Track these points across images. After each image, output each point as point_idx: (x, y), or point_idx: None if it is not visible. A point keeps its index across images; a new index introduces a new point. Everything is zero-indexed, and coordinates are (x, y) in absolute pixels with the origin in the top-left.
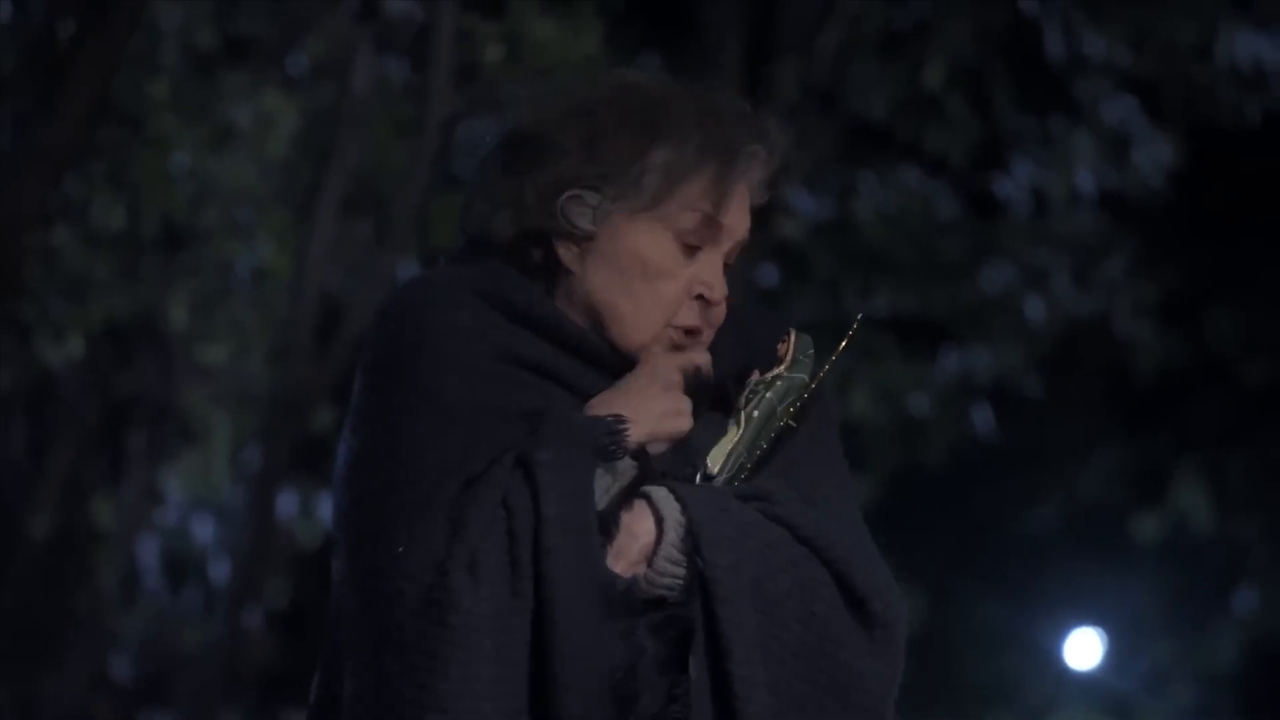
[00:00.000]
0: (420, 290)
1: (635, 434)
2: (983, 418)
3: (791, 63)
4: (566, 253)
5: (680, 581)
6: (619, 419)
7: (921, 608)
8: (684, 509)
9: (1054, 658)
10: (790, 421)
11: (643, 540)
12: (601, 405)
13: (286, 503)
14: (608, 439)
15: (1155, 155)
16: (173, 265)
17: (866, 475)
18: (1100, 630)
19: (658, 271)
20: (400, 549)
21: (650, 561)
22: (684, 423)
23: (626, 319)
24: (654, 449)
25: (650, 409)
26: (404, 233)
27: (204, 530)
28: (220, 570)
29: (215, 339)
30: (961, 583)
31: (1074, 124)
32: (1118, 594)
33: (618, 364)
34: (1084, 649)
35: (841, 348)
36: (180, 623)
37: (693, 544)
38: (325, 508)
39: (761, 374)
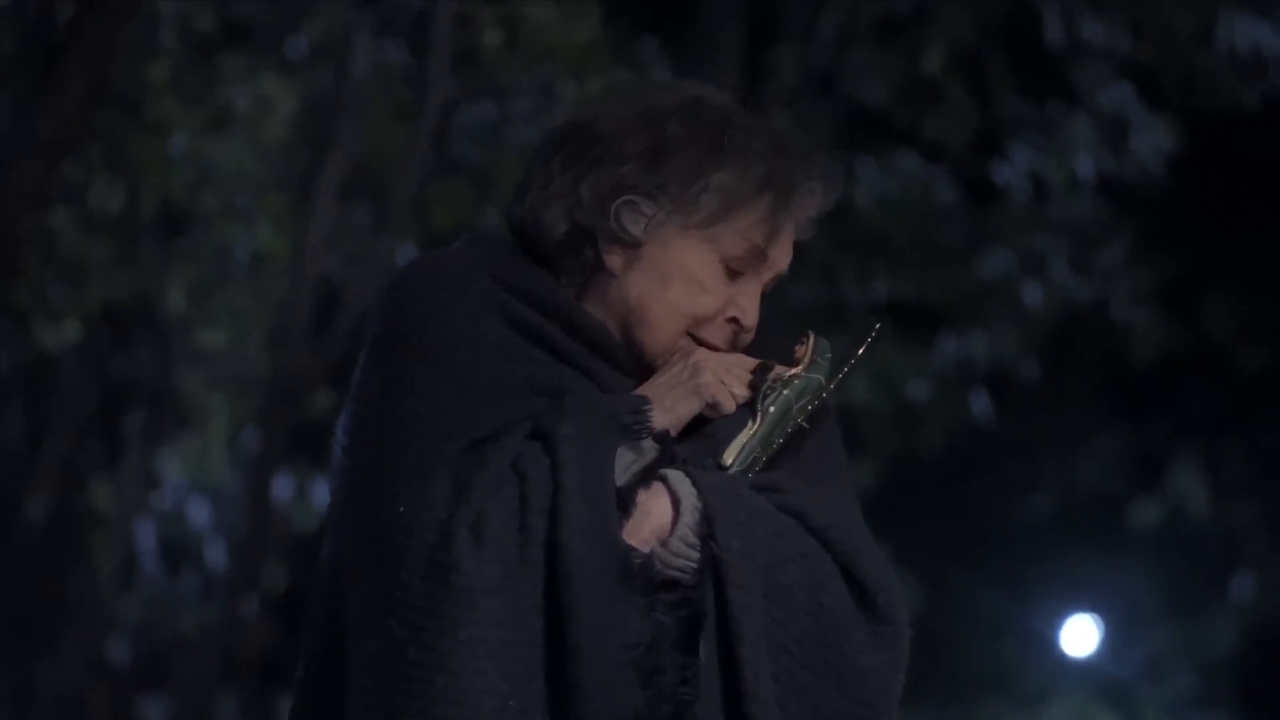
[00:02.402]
0: (431, 265)
1: (675, 410)
2: (981, 405)
3: (791, 48)
4: (611, 255)
5: (693, 564)
6: (643, 399)
7: (919, 595)
8: (699, 493)
9: (1051, 645)
10: (804, 422)
11: (656, 519)
12: (650, 387)
13: (283, 487)
14: (631, 418)
15: (1154, 142)
16: (171, 249)
17: (864, 462)
18: (1097, 617)
19: (699, 286)
20: (401, 509)
21: (665, 542)
22: (726, 398)
23: (655, 322)
24: (682, 410)
25: (689, 384)
26: (403, 218)
27: (201, 514)
28: (217, 554)
29: (213, 323)
30: (959, 570)
31: (1073, 110)
32: (1115, 581)
33: (627, 362)
34: (1080, 636)
35: (860, 352)
36: (177, 607)
37: (707, 528)
38: (322, 492)
39: (780, 373)
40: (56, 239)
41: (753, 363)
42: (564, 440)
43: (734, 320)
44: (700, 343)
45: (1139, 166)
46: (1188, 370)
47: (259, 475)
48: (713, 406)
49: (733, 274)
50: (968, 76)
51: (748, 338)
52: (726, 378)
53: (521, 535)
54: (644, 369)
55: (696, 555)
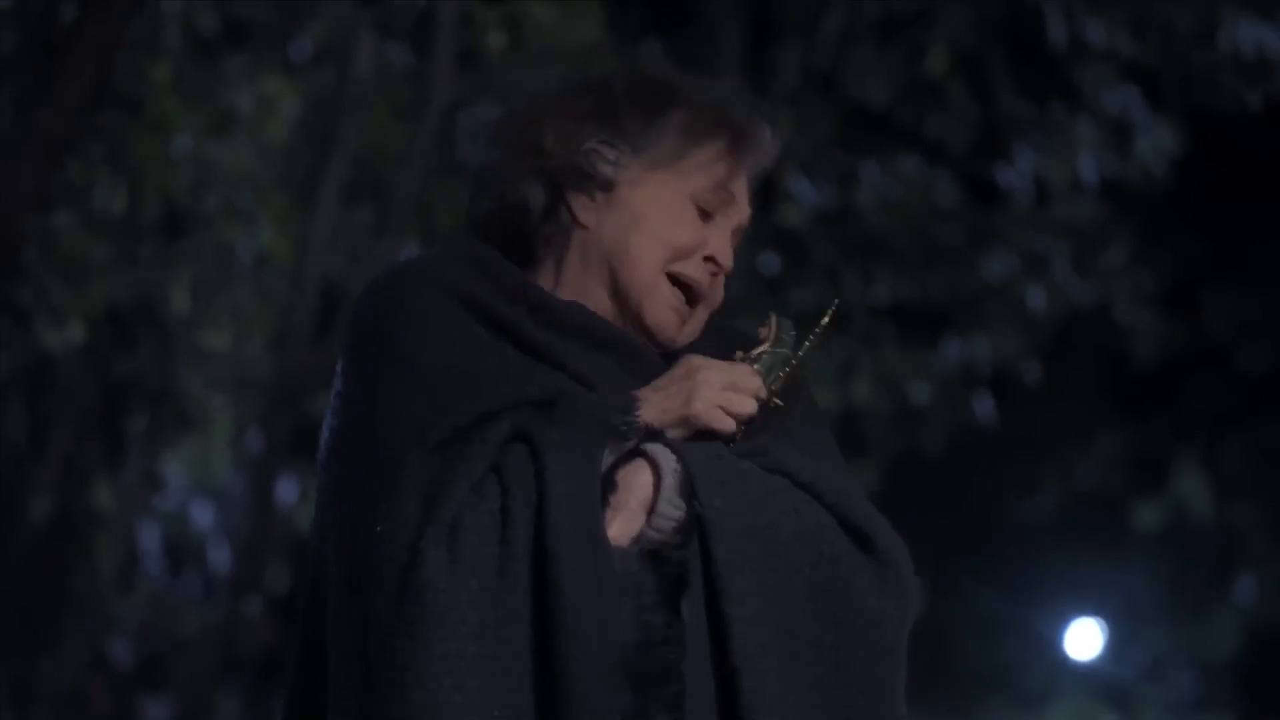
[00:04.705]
0: (398, 270)
1: (664, 420)
2: (983, 406)
3: (793, 48)
4: (584, 209)
5: (674, 524)
6: (632, 400)
7: (920, 595)
8: (679, 458)
9: (1053, 646)
10: (776, 399)
11: (640, 493)
12: (648, 394)
13: (286, 488)
14: (620, 418)
15: (1157, 143)
16: (173, 250)
17: (866, 463)
18: (1100, 620)
19: (675, 218)
20: (379, 529)
21: (651, 511)
22: (723, 421)
23: (636, 257)
24: (674, 434)
25: (701, 393)
26: (405, 218)
27: (203, 515)
28: (219, 555)
29: (216, 324)
30: (960, 570)
31: (1075, 111)
32: (1116, 582)
33: (602, 336)
34: (1084, 639)
35: (824, 322)
36: (179, 607)
37: (689, 489)
38: None
39: (746, 353)
40: (58, 239)
41: (755, 381)
42: (550, 446)
43: (711, 259)
44: (679, 281)
45: (1141, 168)
46: (1189, 371)
47: (262, 476)
48: (708, 430)
49: (704, 215)
50: (970, 77)
51: (719, 285)
52: (724, 398)
53: (502, 548)
54: (626, 345)
55: (680, 515)
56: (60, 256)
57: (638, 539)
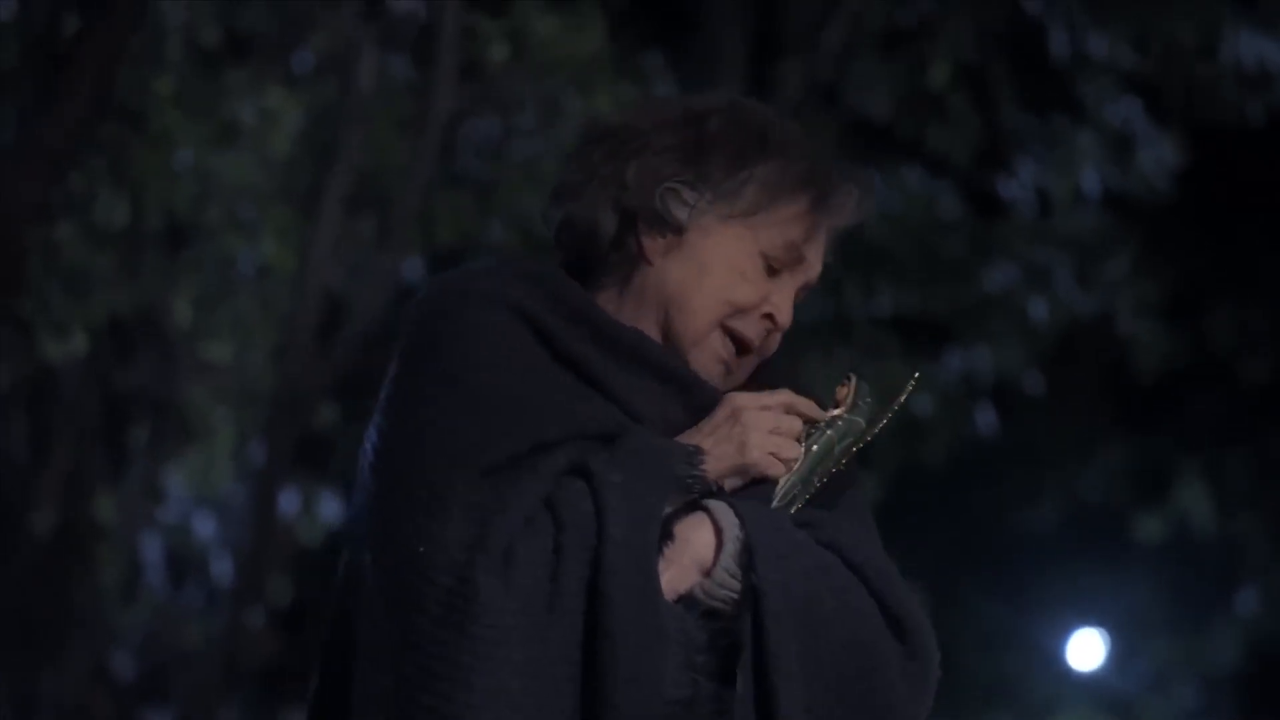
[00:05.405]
0: (460, 282)
1: (719, 468)
2: (985, 417)
3: (795, 60)
4: (652, 243)
5: (735, 595)
6: (697, 450)
7: (922, 607)
8: (742, 524)
9: (1055, 657)
10: (842, 465)
11: (696, 551)
12: (692, 438)
13: (288, 500)
14: (686, 469)
15: (1159, 155)
16: (175, 261)
17: (869, 475)
18: (1102, 631)
19: (739, 275)
20: (421, 549)
21: (709, 573)
22: (775, 468)
23: (694, 308)
24: (727, 485)
25: (749, 441)
26: (406, 229)
27: (205, 527)
28: (222, 567)
29: (218, 335)
30: (962, 582)
31: (1077, 123)
32: (1119, 594)
33: (659, 367)
34: (1087, 650)
35: (902, 398)
36: (181, 619)
37: (748, 559)
38: (327, 505)
39: (819, 422)
40: (61, 251)
41: (797, 423)
42: (612, 488)
43: (769, 317)
44: (733, 335)
45: (1144, 180)
46: (1191, 382)
47: (264, 488)
48: (761, 478)
49: (771, 271)
50: (972, 89)
51: (776, 340)
52: (774, 443)
53: (553, 585)
54: (682, 378)
55: (738, 586)
56: (62, 268)
57: (685, 596)
